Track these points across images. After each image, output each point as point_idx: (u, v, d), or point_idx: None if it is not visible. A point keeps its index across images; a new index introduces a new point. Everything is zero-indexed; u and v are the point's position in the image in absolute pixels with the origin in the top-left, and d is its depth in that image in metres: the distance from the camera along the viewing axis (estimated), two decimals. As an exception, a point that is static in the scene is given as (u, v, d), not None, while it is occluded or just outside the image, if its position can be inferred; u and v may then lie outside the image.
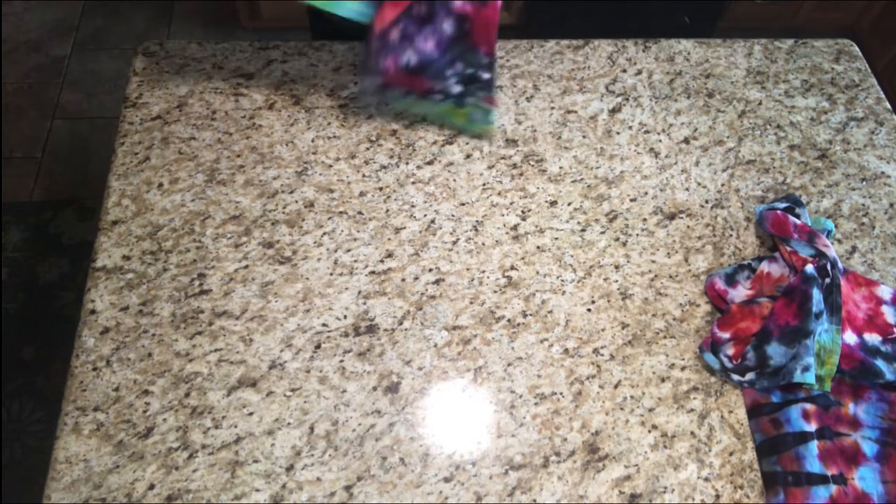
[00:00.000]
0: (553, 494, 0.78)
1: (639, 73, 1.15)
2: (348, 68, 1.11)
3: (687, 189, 1.03)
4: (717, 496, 0.79)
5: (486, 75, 0.91)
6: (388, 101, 0.94)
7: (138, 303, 0.87)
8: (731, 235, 0.99)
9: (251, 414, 0.81)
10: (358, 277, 0.92)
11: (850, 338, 0.88)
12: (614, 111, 1.10)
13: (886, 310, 0.92)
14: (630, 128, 1.09)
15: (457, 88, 0.92)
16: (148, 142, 1.01)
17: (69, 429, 0.79)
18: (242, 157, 1.02)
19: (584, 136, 1.07)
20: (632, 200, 1.01)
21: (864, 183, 1.06)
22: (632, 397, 0.85)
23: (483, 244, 0.96)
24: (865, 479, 0.80)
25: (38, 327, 1.71)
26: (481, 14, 0.89)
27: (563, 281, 0.93)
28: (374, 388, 0.84)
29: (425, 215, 0.98)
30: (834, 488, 0.78)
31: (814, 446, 0.80)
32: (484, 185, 1.01)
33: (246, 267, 0.91)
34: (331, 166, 1.01)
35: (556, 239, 0.97)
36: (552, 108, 1.10)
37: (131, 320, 0.86)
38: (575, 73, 1.14)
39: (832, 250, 0.89)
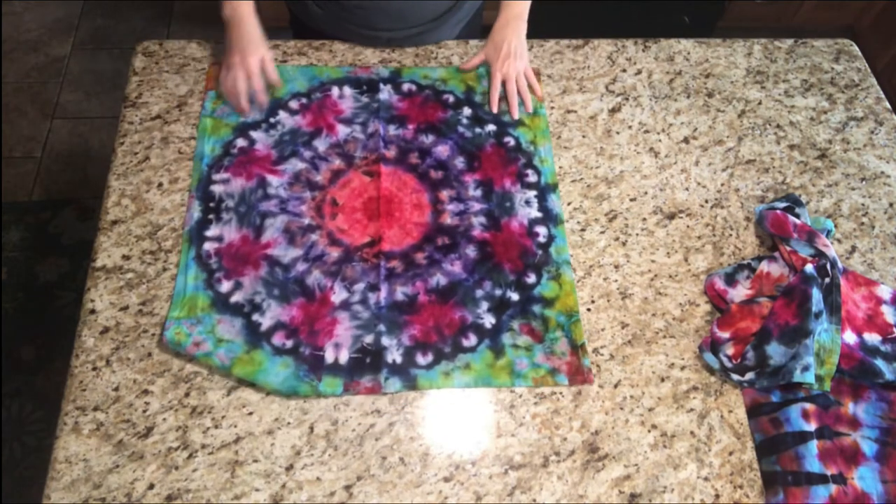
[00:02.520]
0: (553, 494, 0.78)
1: (639, 72, 1.15)
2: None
3: (687, 189, 1.03)
4: (717, 496, 0.79)
5: (515, 297, 0.90)
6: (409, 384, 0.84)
7: (138, 302, 0.87)
8: (730, 235, 0.99)
9: (251, 414, 0.81)
10: (358, 277, 0.92)
11: (850, 337, 0.88)
12: (614, 111, 1.10)
13: (886, 309, 0.92)
14: (630, 127, 1.09)
15: (490, 320, 0.88)
16: (148, 141, 1.01)
17: (69, 428, 0.79)
18: (242, 156, 1.01)
19: (583, 136, 1.07)
20: (631, 200, 1.01)
21: (864, 183, 1.06)
22: (631, 397, 0.85)
23: (483, 244, 0.96)
24: (865, 478, 0.80)
25: (38, 327, 1.71)
26: (500, 238, 0.95)
27: (562, 280, 0.93)
28: (374, 388, 0.84)
29: (425, 215, 0.98)
30: (833, 488, 0.78)
31: (813, 446, 0.80)
32: (484, 184, 1.01)
33: (246, 266, 0.91)
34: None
35: (556, 238, 0.97)
36: (552, 107, 1.10)
37: (131, 320, 0.86)
38: (575, 73, 1.14)
39: (832, 250, 0.89)
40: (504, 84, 1.07)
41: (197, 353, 0.83)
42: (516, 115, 1.06)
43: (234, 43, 1.00)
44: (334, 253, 0.92)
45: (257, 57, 1.00)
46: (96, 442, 0.78)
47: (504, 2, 1.09)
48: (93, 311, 0.87)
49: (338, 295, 0.88)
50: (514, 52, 1.06)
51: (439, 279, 0.91)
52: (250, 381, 0.82)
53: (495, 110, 1.07)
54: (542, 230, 0.96)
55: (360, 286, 0.89)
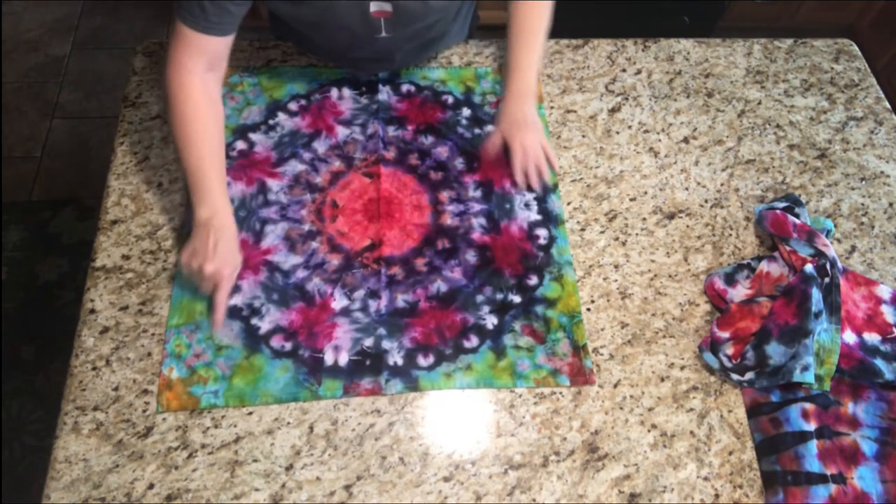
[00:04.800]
0: (553, 494, 0.78)
1: (638, 72, 1.15)
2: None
3: (686, 188, 1.03)
4: (717, 495, 0.79)
5: (516, 299, 0.90)
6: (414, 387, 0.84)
7: (138, 302, 0.87)
8: (730, 235, 0.99)
9: (251, 413, 0.81)
10: (357, 277, 0.92)
11: (850, 337, 0.88)
12: (614, 111, 1.10)
13: (885, 309, 0.92)
14: (629, 127, 1.09)
15: (492, 321, 0.88)
16: (147, 141, 1.01)
17: (69, 428, 0.79)
18: (242, 156, 1.01)
19: (583, 136, 1.07)
20: (631, 200, 1.01)
21: (864, 182, 1.06)
22: (631, 397, 0.85)
23: (482, 244, 0.96)
24: (864, 478, 0.80)
25: (38, 327, 1.71)
26: (499, 242, 0.94)
27: (562, 280, 0.93)
28: (374, 388, 0.84)
29: (425, 215, 0.98)
30: (833, 487, 0.78)
31: (813, 445, 0.80)
32: (483, 184, 1.01)
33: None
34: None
35: (556, 238, 0.97)
36: (552, 107, 1.10)
37: (131, 320, 0.86)
38: (574, 73, 1.14)
39: (831, 250, 0.89)
40: (523, 154, 0.97)
41: (198, 366, 0.82)
42: (538, 186, 0.98)
43: (212, 250, 0.83)
44: (334, 260, 0.91)
45: (230, 272, 0.85)
46: (96, 442, 0.78)
47: (510, 76, 0.99)
48: (93, 311, 0.87)
49: (338, 302, 0.88)
50: (531, 123, 0.97)
51: (440, 286, 0.91)
52: (251, 401, 0.81)
53: (521, 183, 0.98)
54: (542, 232, 0.96)
55: (360, 293, 0.89)
